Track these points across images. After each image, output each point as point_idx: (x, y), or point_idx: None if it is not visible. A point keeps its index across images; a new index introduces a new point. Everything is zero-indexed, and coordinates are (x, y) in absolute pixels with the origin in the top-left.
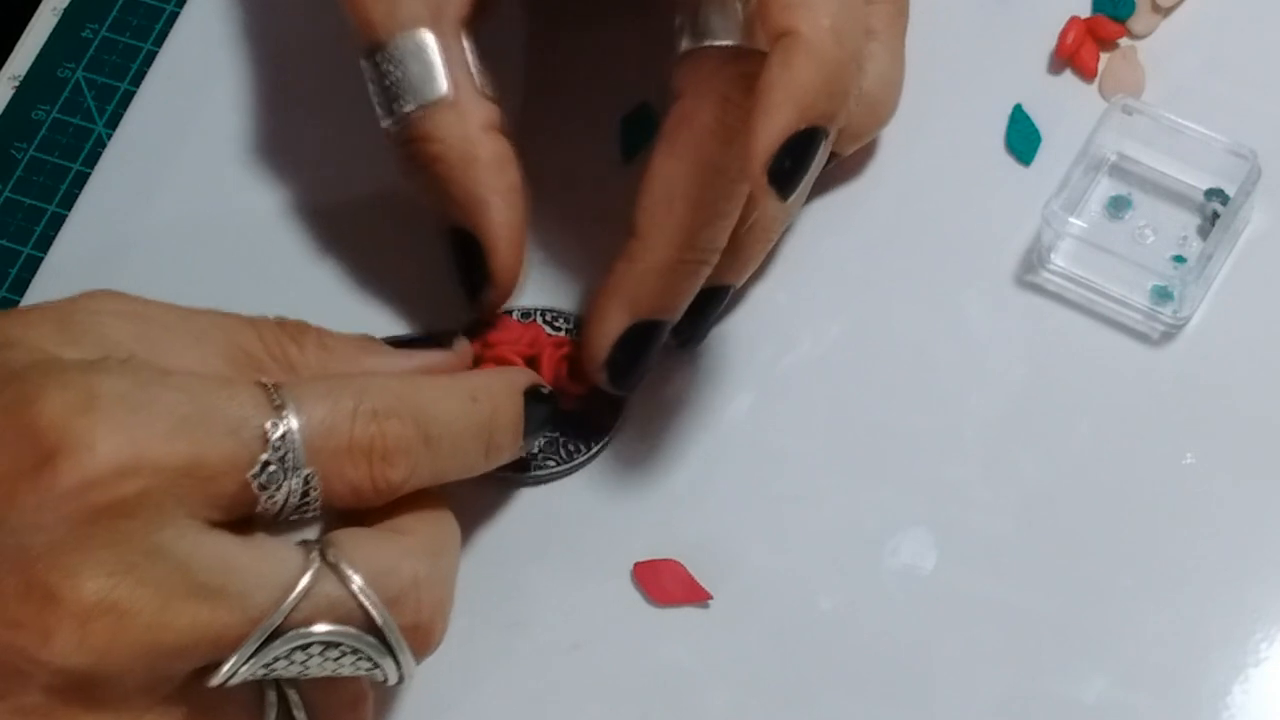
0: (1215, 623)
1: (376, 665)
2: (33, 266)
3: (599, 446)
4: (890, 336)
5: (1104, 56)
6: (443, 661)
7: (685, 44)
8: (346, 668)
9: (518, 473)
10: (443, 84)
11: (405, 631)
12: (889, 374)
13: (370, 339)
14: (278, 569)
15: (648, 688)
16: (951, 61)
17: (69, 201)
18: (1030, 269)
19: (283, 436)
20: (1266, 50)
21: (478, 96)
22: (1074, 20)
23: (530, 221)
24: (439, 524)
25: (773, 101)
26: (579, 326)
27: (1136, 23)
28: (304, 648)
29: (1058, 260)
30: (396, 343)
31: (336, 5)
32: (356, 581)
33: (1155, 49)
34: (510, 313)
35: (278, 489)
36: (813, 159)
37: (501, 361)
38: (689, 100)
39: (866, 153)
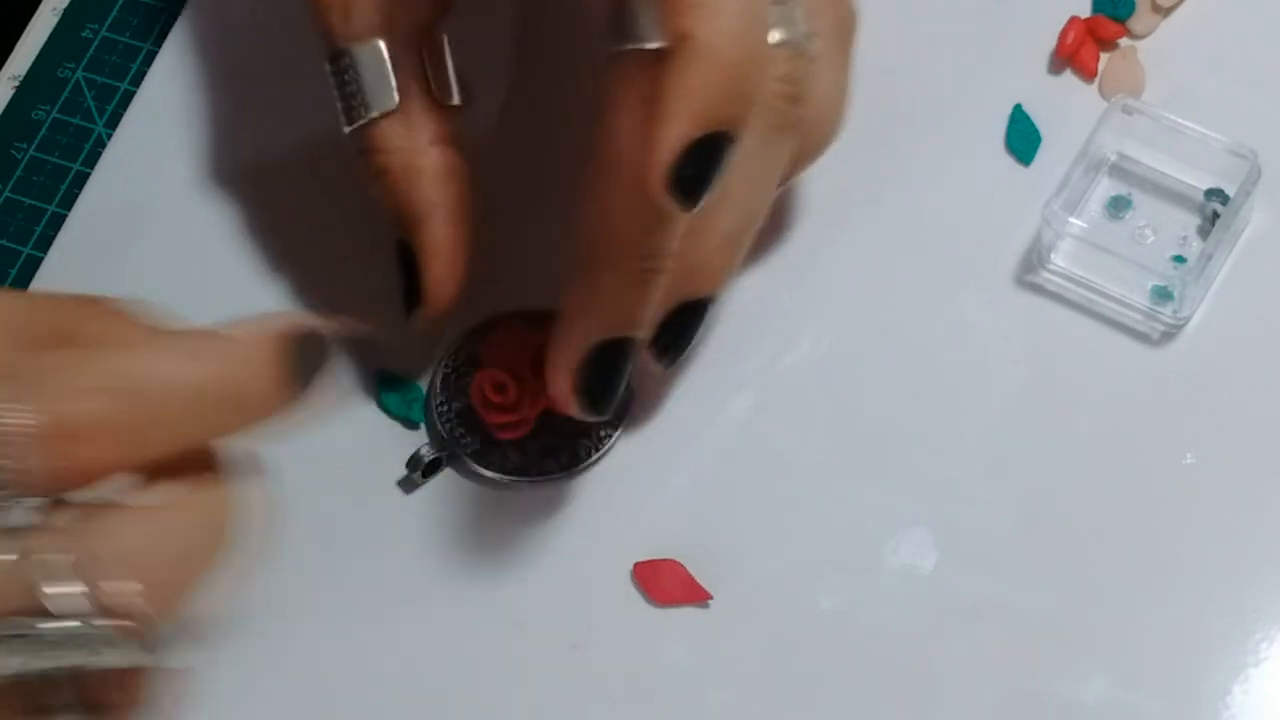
0: (1215, 623)
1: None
2: (33, 266)
3: (600, 453)
4: (890, 336)
5: (1104, 56)
6: (443, 661)
7: (609, 47)
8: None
9: (519, 477)
10: (392, 95)
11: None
12: (889, 374)
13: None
14: None
15: (648, 688)
16: (951, 61)
17: (69, 201)
18: (1030, 269)
19: None
20: (1266, 50)
21: (428, 108)
22: (1074, 20)
23: (527, 221)
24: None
25: (668, 110)
26: None
27: (1136, 23)
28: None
29: (1058, 260)
30: None
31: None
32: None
33: (1155, 49)
34: (517, 316)
35: None
36: (718, 165)
37: (506, 367)
38: (613, 107)
39: (866, 153)
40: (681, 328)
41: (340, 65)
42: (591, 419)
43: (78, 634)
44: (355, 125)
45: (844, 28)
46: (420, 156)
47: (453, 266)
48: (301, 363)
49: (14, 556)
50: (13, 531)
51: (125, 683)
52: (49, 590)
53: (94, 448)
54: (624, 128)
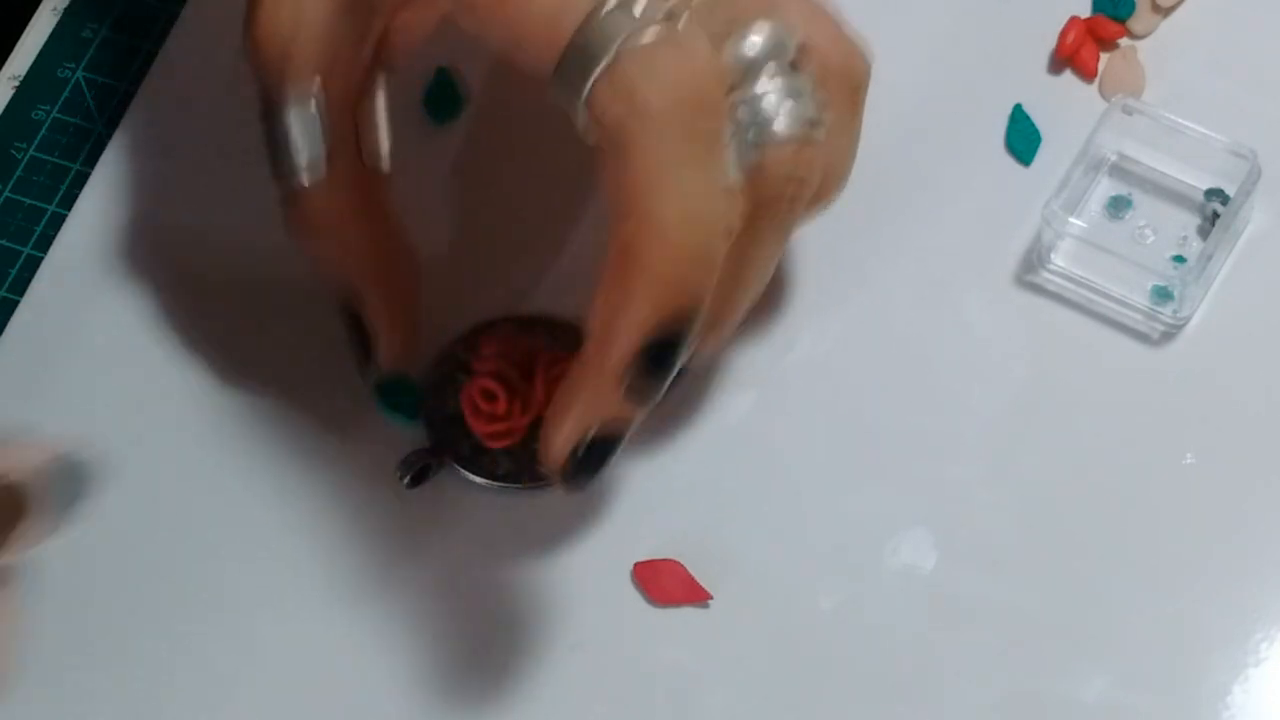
0: (1215, 623)
1: None
2: (33, 266)
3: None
4: (890, 336)
5: (1104, 56)
6: (443, 661)
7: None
8: None
9: (510, 484)
10: (320, 164)
11: None
12: (889, 374)
13: None
14: None
15: (648, 688)
16: (951, 61)
17: (69, 201)
18: (1030, 269)
19: None
20: (1266, 50)
21: (355, 176)
22: (1074, 20)
23: (526, 223)
24: None
25: (616, 329)
26: (578, 340)
27: (1136, 23)
28: None
29: (1058, 260)
30: None
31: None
32: None
33: (1155, 49)
34: (510, 321)
35: None
36: (671, 366)
37: (495, 375)
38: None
39: (867, 153)
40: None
41: (272, 123)
42: (571, 493)
43: None
44: (282, 184)
45: (855, 86)
46: (347, 228)
47: (398, 329)
48: (61, 493)
49: None
50: None
51: None
52: None
53: None
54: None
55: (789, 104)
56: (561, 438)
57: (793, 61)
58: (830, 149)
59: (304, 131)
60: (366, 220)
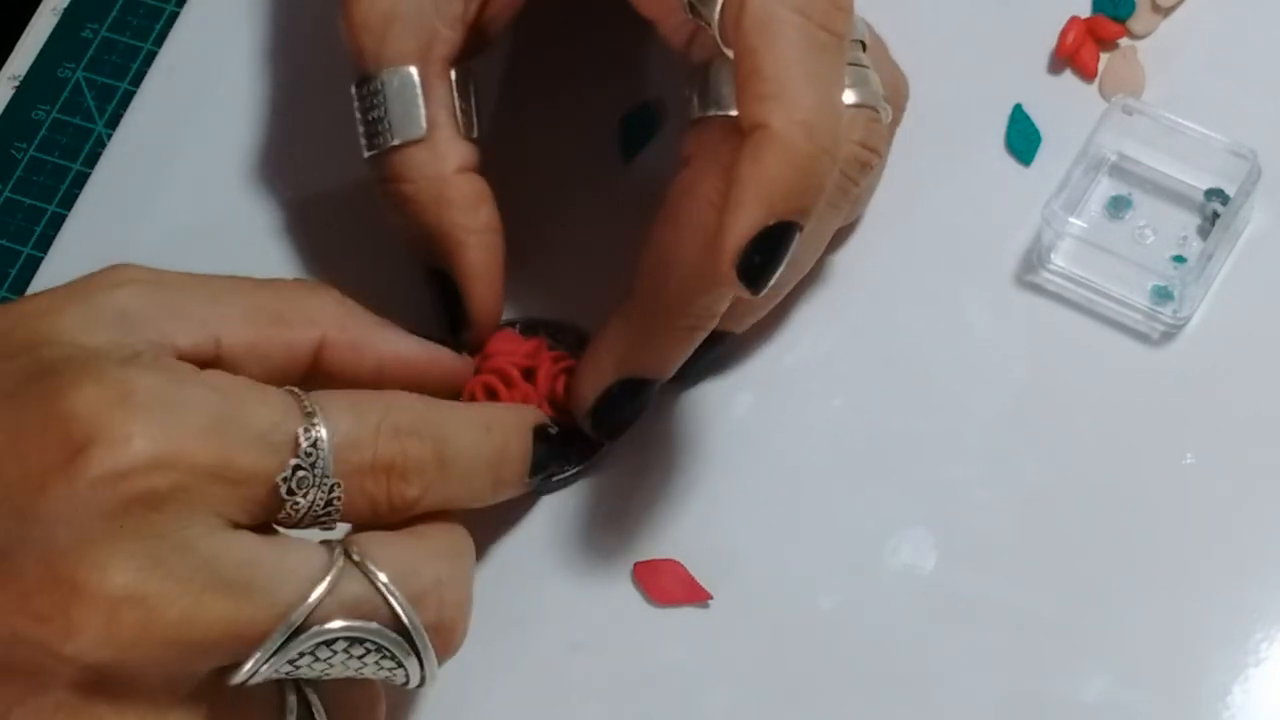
0: (1215, 623)
1: (400, 665)
2: (33, 266)
3: (591, 460)
4: (890, 336)
5: (1104, 56)
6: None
7: (694, 111)
8: (370, 667)
9: None
10: (421, 124)
11: (428, 630)
12: (889, 374)
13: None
14: (303, 565)
15: (648, 688)
16: (951, 61)
17: (69, 201)
18: (1030, 269)
19: (313, 444)
20: (1266, 50)
21: (455, 138)
22: (1074, 20)
23: (528, 226)
24: (454, 530)
25: (741, 199)
26: (581, 342)
27: (1136, 23)
28: (328, 644)
29: (1058, 260)
30: None
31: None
32: (381, 578)
33: (1155, 49)
34: (514, 324)
35: (304, 496)
36: (784, 254)
37: (498, 373)
38: (693, 169)
39: None
40: (697, 357)
41: (368, 89)
42: (598, 439)
43: (384, 641)
44: (377, 151)
45: (900, 104)
46: (449, 186)
47: (494, 288)
48: (537, 454)
49: (342, 561)
50: (332, 544)
51: (374, 708)
52: (392, 600)
53: (416, 489)
54: (700, 192)
55: (871, 75)
56: (598, 374)
57: (862, 42)
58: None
59: (403, 96)
60: (467, 179)
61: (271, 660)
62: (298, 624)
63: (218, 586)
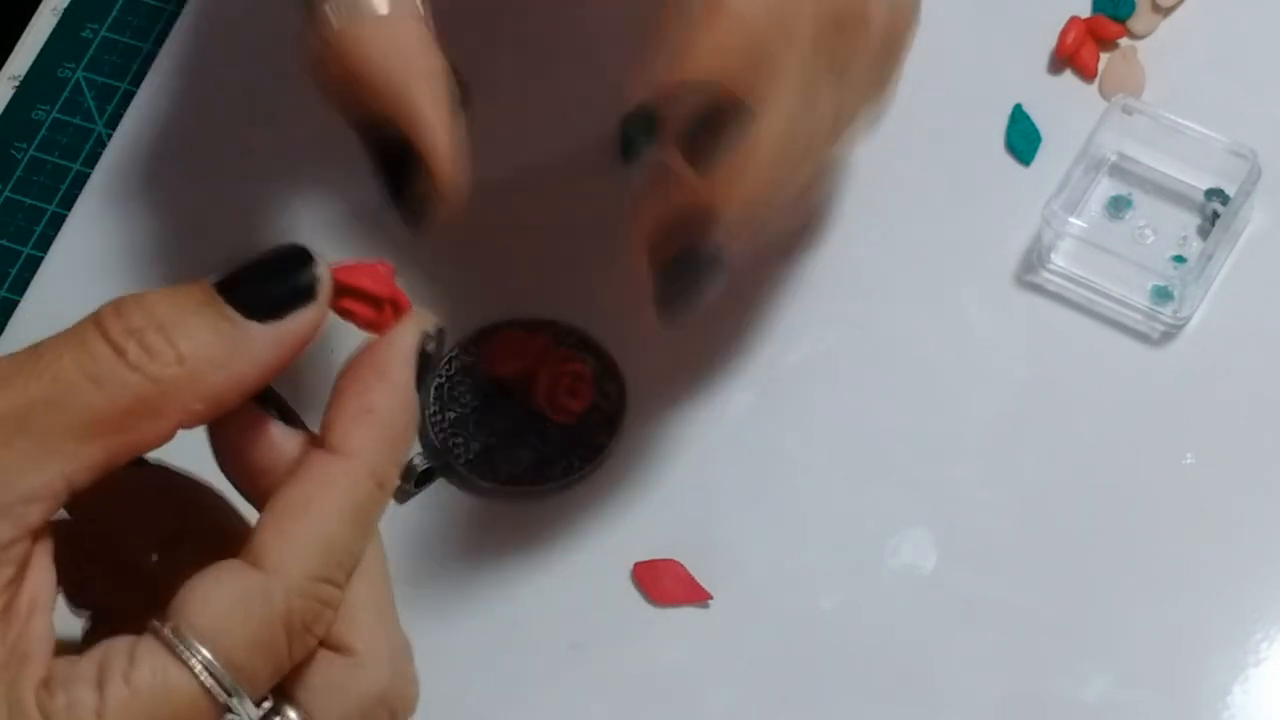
0: (1215, 623)
1: None
2: (33, 266)
3: (593, 464)
4: (890, 336)
5: (1104, 56)
6: (443, 661)
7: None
8: None
9: (511, 487)
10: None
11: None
12: (889, 374)
13: (207, 294)
14: None
15: (648, 688)
16: (951, 61)
17: (69, 201)
18: (1030, 269)
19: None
20: (1266, 50)
21: (413, 15)
22: (1074, 20)
23: (528, 226)
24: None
25: (684, 65)
26: (582, 343)
27: (1136, 23)
28: None
29: (1058, 260)
30: (238, 279)
31: None
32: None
33: (1155, 49)
34: (512, 324)
35: None
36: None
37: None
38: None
39: (867, 153)
40: (686, 258)
41: None
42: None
43: None
44: (332, 21)
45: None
46: (410, 59)
47: (460, 160)
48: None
49: None
50: None
51: None
52: None
53: (326, 624)
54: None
55: None
56: (648, 222)
57: None
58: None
59: None
60: (426, 52)
61: None
62: None
63: None
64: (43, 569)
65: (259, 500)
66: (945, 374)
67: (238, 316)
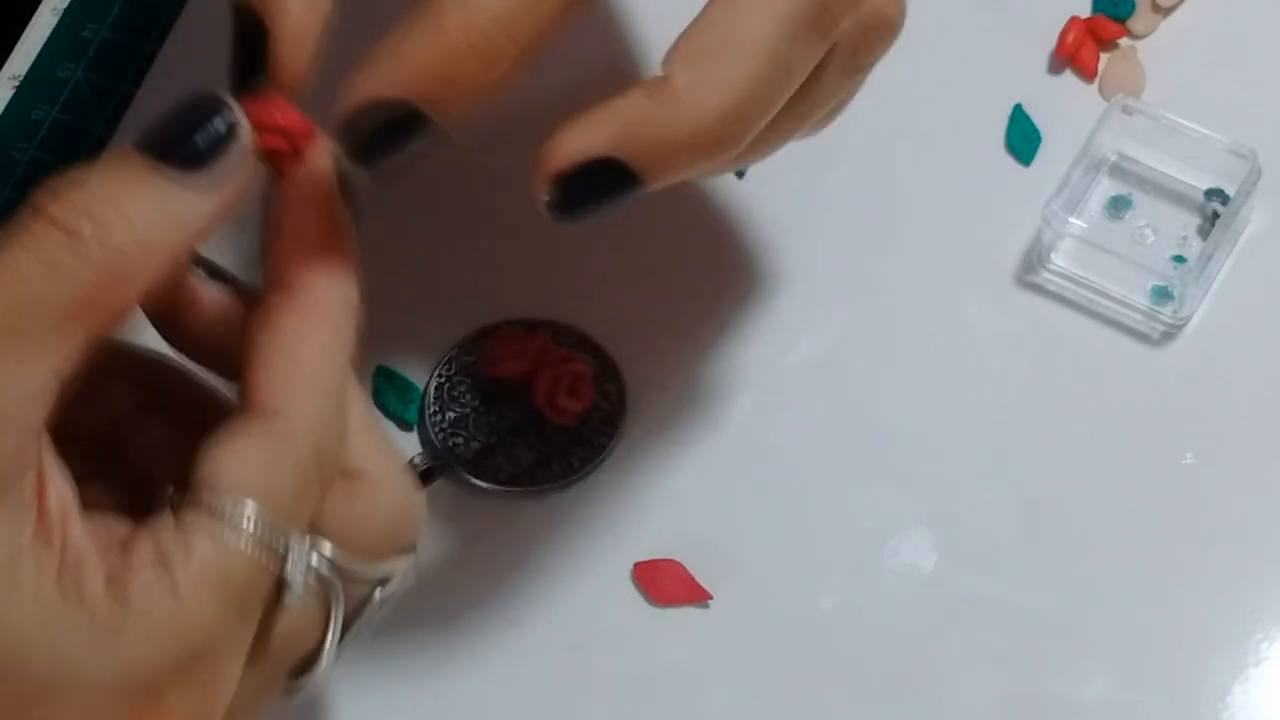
0: (1215, 623)
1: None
2: None
3: (593, 464)
4: (890, 336)
5: (1104, 56)
6: (443, 661)
7: None
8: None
9: (511, 487)
10: None
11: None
12: (889, 374)
13: (136, 159)
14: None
15: (648, 688)
16: (951, 61)
17: None
18: (1030, 269)
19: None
20: (1266, 50)
21: None
22: (1074, 20)
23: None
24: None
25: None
26: (583, 343)
27: (1136, 23)
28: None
29: (1058, 260)
30: (160, 139)
31: None
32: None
33: (1155, 49)
34: (514, 324)
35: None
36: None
37: (500, 370)
38: None
39: (866, 153)
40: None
41: None
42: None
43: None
44: None
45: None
46: None
47: (308, 42)
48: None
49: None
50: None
51: None
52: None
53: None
54: None
55: None
56: (580, 136)
57: None
58: None
59: None
60: None
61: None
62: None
63: None
64: (57, 471)
65: (213, 362)
66: (945, 374)
67: (174, 173)
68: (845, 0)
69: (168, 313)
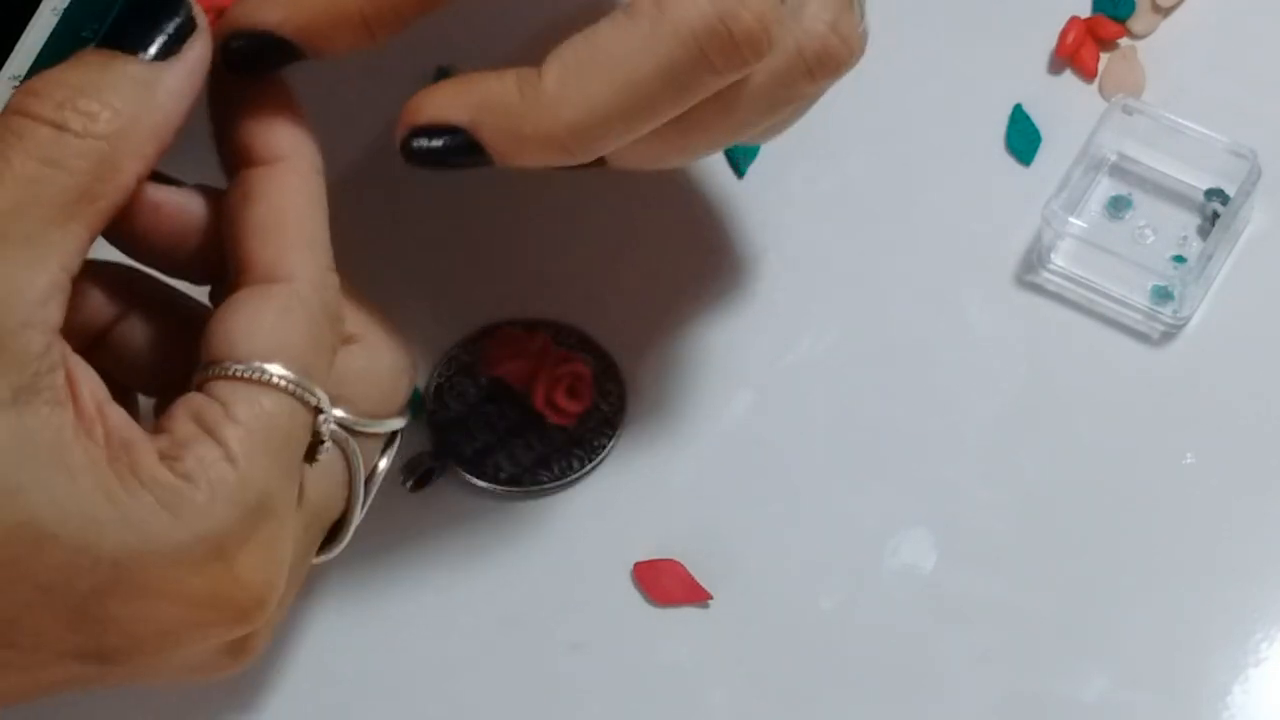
0: (1215, 623)
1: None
2: None
3: (593, 464)
4: (890, 336)
5: (1104, 56)
6: (443, 661)
7: None
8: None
9: (511, 487)
10: None
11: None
12: (889, 374)
13: (107, 52)
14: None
15: (648, 688)
16: (951, 61)
17: None
18: (1030, 269)
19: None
20: (1266, 50)
21: None
22: (1074, 20)
23: (528, 226)
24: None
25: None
26: (583, 343)
27: (1136, 23)
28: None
29: (1058, 260)
30: (123, 33)
31: None
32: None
33: (1155, 49)
34: (514, 324)
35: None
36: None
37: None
38: None
39: (866, 153)
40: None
41: None
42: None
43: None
44: None
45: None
46: None
47: None
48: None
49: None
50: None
51: None
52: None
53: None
54: None
55: None
56: (445, 99)
57: None
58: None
59: None
60: None
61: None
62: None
63: None
64: (82, 365)
65: (179, 266)
66: (945, 374)
67: (146, 61)
68: (734, 55)
69: (128, 225)
